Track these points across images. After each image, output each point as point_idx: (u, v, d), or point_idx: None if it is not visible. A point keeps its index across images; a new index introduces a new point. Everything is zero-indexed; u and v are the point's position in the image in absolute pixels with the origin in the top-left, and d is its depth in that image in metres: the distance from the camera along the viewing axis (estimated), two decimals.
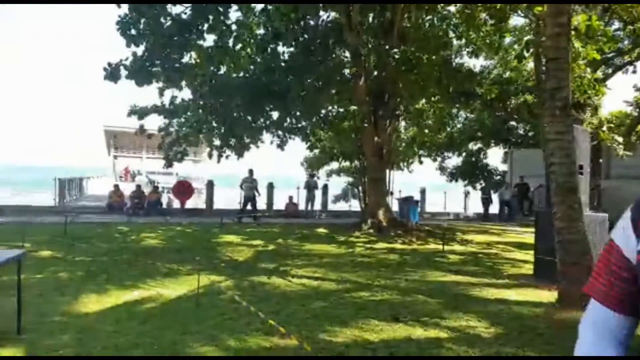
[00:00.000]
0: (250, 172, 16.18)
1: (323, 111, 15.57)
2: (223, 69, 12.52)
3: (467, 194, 22.76)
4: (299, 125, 15.85)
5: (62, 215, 12.06)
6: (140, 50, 10.34)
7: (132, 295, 5.94)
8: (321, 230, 13.37)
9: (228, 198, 18.77)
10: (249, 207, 16.02)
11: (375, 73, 14.09)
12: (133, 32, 9.85)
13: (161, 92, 14.50)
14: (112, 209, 15.94)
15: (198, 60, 10.66)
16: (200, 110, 14.06)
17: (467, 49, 15.07)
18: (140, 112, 15.99)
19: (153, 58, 10.55)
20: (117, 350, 4.07)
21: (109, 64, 10.35)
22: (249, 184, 15.88)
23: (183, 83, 13.16)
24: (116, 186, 17.15)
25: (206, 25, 10.20)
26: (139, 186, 17.19)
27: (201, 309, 5.37)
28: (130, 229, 12.47)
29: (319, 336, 4.56)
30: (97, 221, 13.69)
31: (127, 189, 17.65)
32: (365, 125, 13.71)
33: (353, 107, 15.09)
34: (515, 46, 16.03)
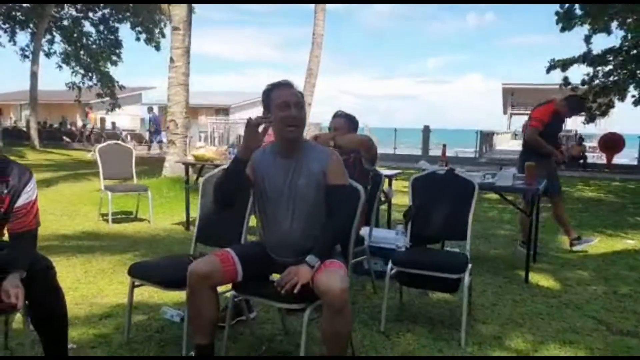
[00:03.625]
0: None
1: None
2: None
3: None
4: None
5: (488, 165, 12.47)
6: None
7: (625, 243, 5.22)
8: None
9: None
10: None
11: None
12: None
13: (587, 39, 13.16)
14: None
15: None
16: None
17: None
18: (564, 63, 14.78)
19: None
20: None
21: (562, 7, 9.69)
22: None
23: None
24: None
25: None
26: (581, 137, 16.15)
27: None
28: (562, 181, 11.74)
29: None
30: None
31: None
32: None
33: None
34: None
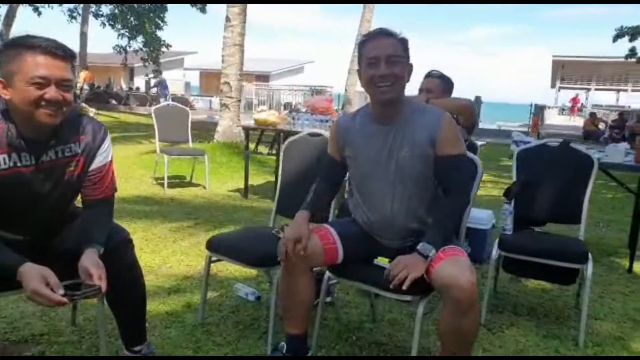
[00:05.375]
0: None
1: None
2: None
3: None
4: None
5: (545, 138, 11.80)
6: None
7: None
8: None
9: None
10: None
11: None
12: None
13: None
14: (588, 136, 14.74)
15: None
16: None
17: None
18: (635, 32, 13.71)
19: None
20: None
21: None
22: None
23: None
24: (592, 114, 15.70)
25: None
26: (620, 114, 15.20)
27: None
28: None
29: None
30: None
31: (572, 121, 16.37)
32: None
33: None
34: None
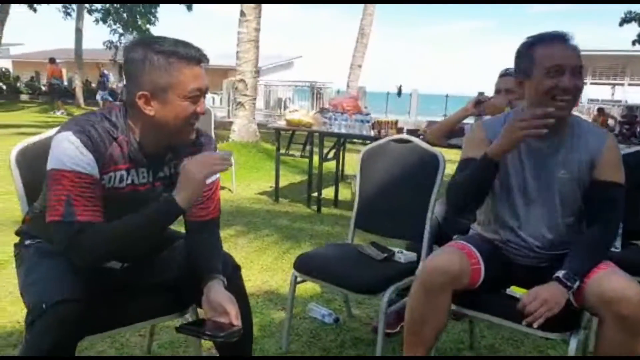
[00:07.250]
0: None
1: None
2: None
3: None
4: None
5: None
6: None
7: None
8: None
9: None
10: None
11: None
12: None
13: None
14: None
15: None
16: None
17: None
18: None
19: None
20: None
21: None
22: None
23: None
24: (600, 109, 15.56)
25: None
26: (630, 109, 15.10)
27: None
28: None
29: None
30: None
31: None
32: None
33: None
34: None
